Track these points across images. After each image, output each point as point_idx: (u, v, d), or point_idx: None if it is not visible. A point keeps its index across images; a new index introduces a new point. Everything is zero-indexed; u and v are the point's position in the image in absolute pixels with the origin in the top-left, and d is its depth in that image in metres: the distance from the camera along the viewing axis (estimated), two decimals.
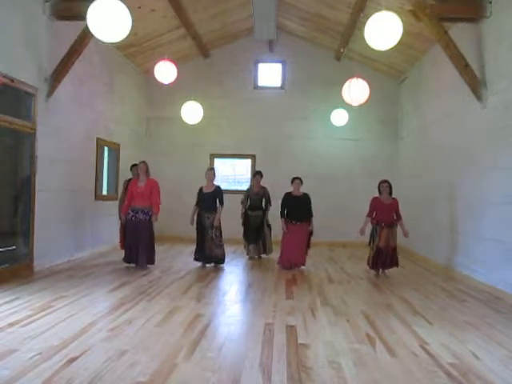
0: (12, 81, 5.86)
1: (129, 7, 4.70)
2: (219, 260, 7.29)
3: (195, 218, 7.32)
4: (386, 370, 3.23)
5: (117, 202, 8.19)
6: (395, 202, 6.86)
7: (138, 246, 6.74)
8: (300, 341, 3.80)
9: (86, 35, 6.49)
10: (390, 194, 6.84)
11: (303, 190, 7.39)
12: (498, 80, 6.02)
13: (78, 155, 7.72)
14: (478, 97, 6.39)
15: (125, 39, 5.05)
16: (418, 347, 3.71)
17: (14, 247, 6.35)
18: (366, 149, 10.88)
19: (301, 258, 7.24)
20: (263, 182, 8.22)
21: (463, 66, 6.38)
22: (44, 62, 6.56)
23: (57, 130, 6.95)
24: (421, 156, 9.25)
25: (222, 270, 7.14)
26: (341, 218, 10.55)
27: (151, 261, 6.91)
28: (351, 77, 7.50)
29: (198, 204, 7.32)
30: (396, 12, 5.09)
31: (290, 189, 7.47)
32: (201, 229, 7.23)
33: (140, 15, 7.57)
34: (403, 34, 5.06)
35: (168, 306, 4.79)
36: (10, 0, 5.83)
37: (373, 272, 6.92)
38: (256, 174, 8.40)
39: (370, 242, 6.87)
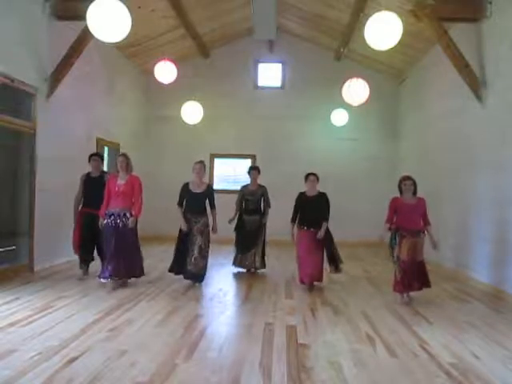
0: (12, 81, 5.86)
1: (129, 7, 4.70)
2: (203, 276, 5.92)
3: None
4: (386, 370, 3.23)
5: None
6: (422, 202, 5.32)
7: (122, 256, 5.59)
8: (300, 341, 3.80)
9: (86, 35, 6.49)
10: (415, 193, 5.36)
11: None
12: (498, 80, 6.02)
13: (78, 155, 7.69)
14: (478, 97, 6.39)
15: (125, 39, 5.05)
16: (418, 347, 3.71)
17: (13, 247, 6.36)
18: (366, 149, 10.88)
19: (318, 271, 5.85)
20: (263, 182, 7.15)
21: (463, 66, 6.38)
22: (44, 61, 6.55)
23: (57, 130, 6.95)
24: (421, 156, 9.25)
25: (207, 280, 6.00)
26: (340, 218, 10.48)
27: (141, 272, 5.89)
28: (351, 77, 7.50)
29: (181, 204, 5.99)
30: (396, 12, 5.07)
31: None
32: (186, 235, 5.87)
33: (140, 15, 7.56)
34: (403, 34, 5.06)
35: (168, 306, 4.79)
36: (10, 0, 5.83)
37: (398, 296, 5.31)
38: (252, 170, 7.04)
39: (392, 256, 5.32)
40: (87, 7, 4.60)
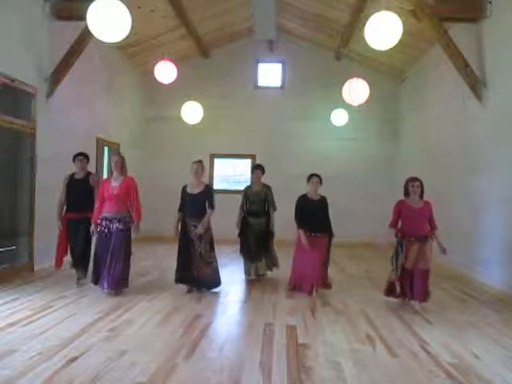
0: (12, 81, 5.87)
1: (129, 7, 4.70)
2: (211, 283, 5.58)
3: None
4: (386, 369, 3.23)
5: None
6: (428, 206, 5.04)
7: (110, 263, 5.17)
8: (300, 341, 3.80)
9: (86, 35, 6.50)
10: (421, 196, 5.09)
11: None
12: (498, 80, 6.03)
13: None
14: (478, 97, 6.39)
15: (125, 39, 5.05)
16: (418, 347, 3.72)
17: (13, 247, 6.36)
18: (366, 149, 10.88)
19: (322, 277, 5.63)
20: (263, 181, 6.59)
21: (463, 66, 6.39)
22: (44, 62, 6.56)
23: (57, 129, 6.95)
24: (421, 156, 9.25)
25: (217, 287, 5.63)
26: (340, 218, 10.47)
27: (125, 283, 5.34)
28: (351, 77, 7.50)
29: (182, 210, 5.63)
30: (396, 12, 5.08)
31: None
32: (185, 241, 5.50)
33: (140, 15, 7.56)
34: (403, 34, 5.06)
35: (168, 306, 4.79)
36: (10, 0, 5.83)
37: (395, 300, 5.17)
38: (255, 169, 6.56)
39: (392, 262, 5.08)
40: (87, 7, 4.61)
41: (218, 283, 5.63)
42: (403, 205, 5.07)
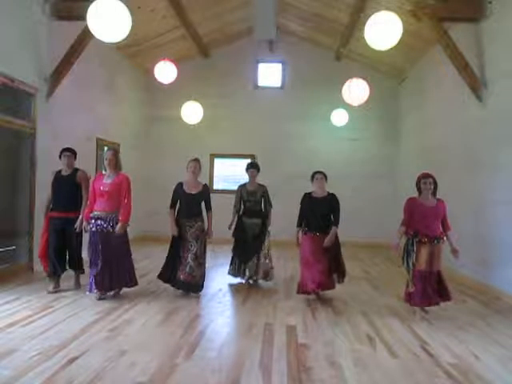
0: (12, 81, 5.87)
1: (129, 7, 4.70)
2: (198, 286, 5.33)
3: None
4: (386, 370, 3.23)
5: None
6: (441, 204, 4.76)
7: (108, 267, 4.97)
8: (300, 341, 3.80)
9: (86, 35, 6.50)
10: (434, 194, 4.83)
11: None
12: (498, 80, 6.03)
13: (78, 155, 7.66)
14: (478, 97, 6.39)
15: (125, 39, 5.05)
16: (418, 347, 3.72)
17: (13, 247, 6.36)
18: (366, 149, 10.88)
19: (329, 279, 5.39)
20: (262, 182, 6.45)
21: (463, 66, 6.38)
22: (44, 61, 6.56)
23: (57, 130, 6.95)
24: (421, 156, 9.24)
25: (201, 291, 5.41)
26: (340, 218, 10.53)
27: (133, 282, 5.26)
28: (351, 77, 7.50)
29: (174, 206, 5.53)
30: (396, 12, 5.08)
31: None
32: (178, 242, 5.39)
33: (140, 15, 7.56)
34: (403, 34, 5.06)
35: (168, 306, 4.79)
36: (10, 0, 5.84)
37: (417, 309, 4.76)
38: (250, 168, 6.28)
39: (403, 262, 4.80)
40: (87, 7, 4.60)
41: (202, 286, 5.39)
42: (415, 203, 4.76)
